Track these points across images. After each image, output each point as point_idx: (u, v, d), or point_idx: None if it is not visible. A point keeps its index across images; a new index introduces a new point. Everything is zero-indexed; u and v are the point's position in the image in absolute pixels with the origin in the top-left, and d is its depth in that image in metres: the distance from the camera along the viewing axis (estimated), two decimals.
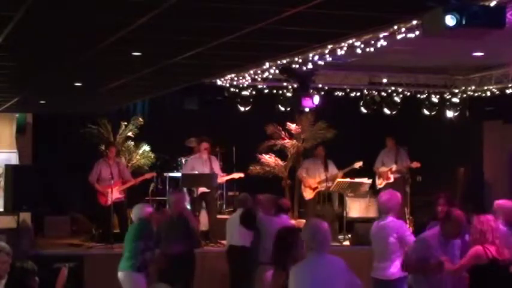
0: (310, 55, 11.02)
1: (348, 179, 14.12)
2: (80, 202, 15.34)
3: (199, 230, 12.98)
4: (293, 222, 10.54)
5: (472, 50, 12.05)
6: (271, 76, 13.52)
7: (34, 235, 13.54)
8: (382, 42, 9.85)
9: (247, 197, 10.50)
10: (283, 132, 15.00)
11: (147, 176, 14.02)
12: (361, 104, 15.02)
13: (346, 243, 13.50)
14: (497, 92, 14.40)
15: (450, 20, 5.77)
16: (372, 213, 14.95)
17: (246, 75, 13.55)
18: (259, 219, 9.52)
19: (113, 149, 13.75)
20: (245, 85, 14.32)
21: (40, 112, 15.61)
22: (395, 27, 8.93)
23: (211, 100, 14.51)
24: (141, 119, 15.03)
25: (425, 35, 6.82)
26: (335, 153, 14.73)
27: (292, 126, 14.95)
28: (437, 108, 15.12)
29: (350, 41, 9.83)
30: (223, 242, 12.93)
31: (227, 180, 14.27)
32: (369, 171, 14.66)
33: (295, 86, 13.65)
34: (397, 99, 14.95)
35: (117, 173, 13.48)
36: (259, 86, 14.42)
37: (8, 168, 14.06)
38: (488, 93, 14.59)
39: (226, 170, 14.21)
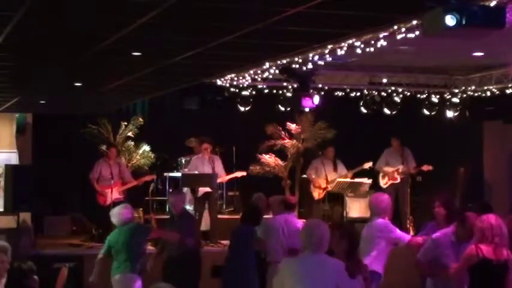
0: (310, 55, 11.01)
1: (348, 179, 14.12)
2: (80, 202, 15.34)
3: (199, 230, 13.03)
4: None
5: (472, 50, 12.04)
6: (271, 76, 13.52)
7: (34, 235, 13.54)
8: (382, 42, 9.84)
9: (260, 197, 10.32)
10: (283, 132, 15.00)
11: (147, 178, 14.02)
12: (361, 104, 15.01)
13: None
14: (497, 92, 14.38)
15: (450, 20, 5.76)
16: None
17: (246, 75, 13.54)
18: (266, 221, 9.44)
19: (114, 150, 13.78)
20: (245, 85, 14.32)
21: (40, 112, 15.61)
22: (395, 27, 8.92)
23: (211, 100, 14.49)
24: (141, 119, 15.03)
25: (425, 35, 6.81)
26: (335, 153, 14.77)
27: (292, 126, 14.95)
28: (437, 108, 15.10)
29: (350, 41, 9.82)
30: (223, 242, 12.95)
31: (229, 179, 14.27)
32: (369, 171, 14.67)
33: (295, 86, 13.64)
34: (397, 99, 14.94)
35: (117, 173, 13.50)
36: (259, 86, 14.41)
37: (8, 168, 14.05)
38: (488, 93, 14.58)
39: (227, 170, 14.21)
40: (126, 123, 14.93)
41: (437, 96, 15.08)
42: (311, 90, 13.30)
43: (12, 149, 15.36)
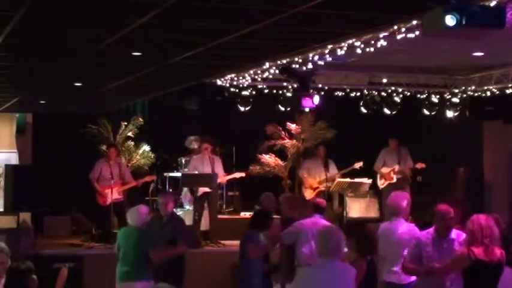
0: (310, 55, 11.01)
1: (348, 179, 14.12)
2: (80, 202, 15.35)
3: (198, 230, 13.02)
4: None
5: (472, 50, 12.04)
6: (271, 76, 13.52)
7: (34, 235, 13.52)
8: (382, 42, 9.84)
9: (267, 196, 10.15)
10: (283, 132, 14.98)
11: (147, 179, 14.04)
12: (361, 104, 15.01)
13: None
14: (497, 92, 14.38)
15: (450, 20, 5.77)
16: (372, 213, 14.96)
17: (246, 75, 13.54)
18: (296, 224, 9.21)
19: (114, 150, 13.77)
20: (245, 85, 14.31)
21: (40, 112, 15.62)
22: (395, 27, 8.93)
23: (211, 100, 14.50)
24: (141, 119, 15.03)
25: (425, 35, 6.82)
26: (335, 153, 14.76)
27: (292, 126, 14.94)
28: (437, 108, 15.10)
29: (350, 41, 9.83)
30: (223, 242, 12.95)
31: (228, 180, 14.27)
32: (369, 171, 14.66)
33: (295, 86, 13.64)
34: (397, 99, 14.94)
35: (118, 173, 13.50)
36: (259, 86, 14.41)
37: (8, 168, 14.07)
38: (488, 93, 14.57)
39: (227, 170, 14.20)
40: (126, 123, 14.93)
41: (437, 96, 15.08)
42: (311, 90, 13.30)
43: (12, 149, 15.38)
